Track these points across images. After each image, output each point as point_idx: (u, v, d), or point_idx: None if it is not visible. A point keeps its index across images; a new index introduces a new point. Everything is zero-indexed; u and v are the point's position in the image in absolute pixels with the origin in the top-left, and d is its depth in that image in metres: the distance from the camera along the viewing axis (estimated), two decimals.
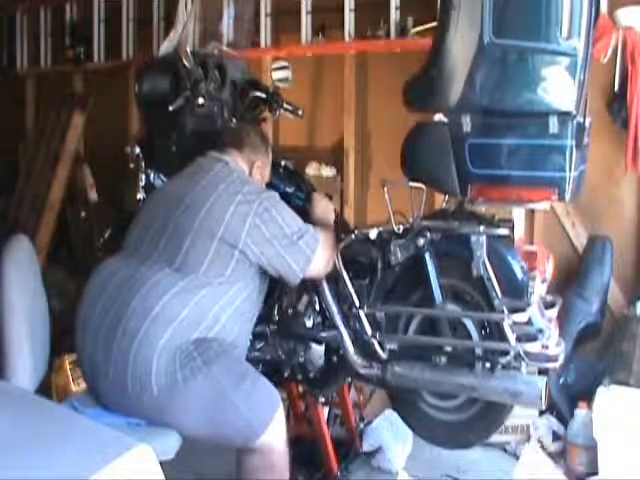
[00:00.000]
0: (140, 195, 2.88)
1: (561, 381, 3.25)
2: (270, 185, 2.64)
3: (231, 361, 2.18)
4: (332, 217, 2.63)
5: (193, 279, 2.17)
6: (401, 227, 2.39)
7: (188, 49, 2.78)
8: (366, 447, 3.10)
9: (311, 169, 4.12)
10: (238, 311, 2.24)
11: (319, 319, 2.59)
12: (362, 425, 3.19)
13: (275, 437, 2.17)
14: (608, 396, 2.92)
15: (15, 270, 2.13)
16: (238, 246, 2.21)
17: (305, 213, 2.65)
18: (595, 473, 2.88)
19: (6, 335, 2.08)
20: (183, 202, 2.26)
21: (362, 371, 2.49)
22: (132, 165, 2.89)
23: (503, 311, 2.20)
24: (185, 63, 2.71)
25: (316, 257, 2.33)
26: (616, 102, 3.33)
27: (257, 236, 2.23)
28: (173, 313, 2.13)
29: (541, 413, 3.20)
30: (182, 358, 2.10)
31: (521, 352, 2.20)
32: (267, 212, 2.25)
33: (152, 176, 2.87)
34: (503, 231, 2.24)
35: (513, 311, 2.19)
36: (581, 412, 3.04)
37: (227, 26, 4.30)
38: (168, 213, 2.28)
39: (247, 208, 2.23)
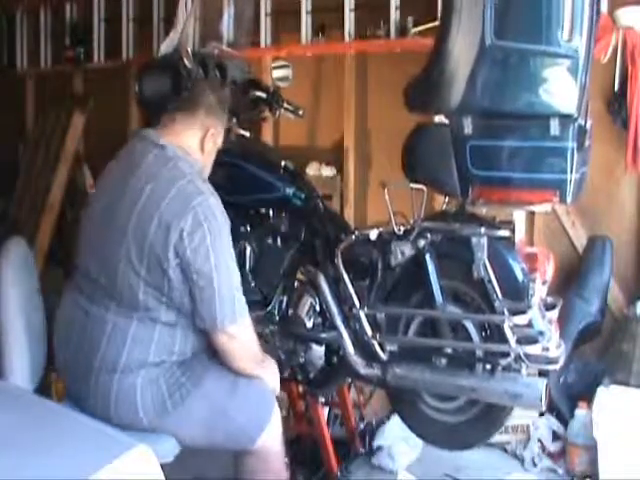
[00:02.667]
0: None
1: (561, 381, 3.25)
2: (269, 186, 2.64)
3: (219, 374, 2.14)
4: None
5: (141, 314, 2.04)
6: (402, 228, 2.39)
7: (188, 49, 2.77)
8: (376, 443, 3.10)
9: (311, 169, 4.11)
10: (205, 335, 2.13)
11: (319, 320, 2.59)
12: (362, 425, 3.20)
13: (271, 438, 2.17)
14: (608, 396, 2.93)
15: (12, 272, 2.15)
16: (163, 260, 1.99)
17: (305, 214, 2.66)
18: (595, 473, 2.88)
19: (5, 336, 2.10)
20: (111, 220, 2.06)
21: (362, 372, 2.49)
22: None
23: (504, 313, 2.20)
24: (185, 63, 2.71)
25: (244, 323, 2.10)
26: (616, 102, 3.33)
27: (182, 253, 1.98)
28: (140, 358, 2.04)
29: (541, 413, 3.20)
30: (169, 385, 2.06)
31: (521, 354, 2.20)
32: (199, 225, 2.00)
33: None
34: (504, 233, 2.24)
35: (514, 313, 2.19)
36: (581, 412, 3.05)
37: (227, 26, 4.29)
38: (98, 234, 2.10)
39: (175, 216, 1.99)
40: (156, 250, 1.99)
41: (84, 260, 2.16)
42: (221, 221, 2.06)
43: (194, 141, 2.19)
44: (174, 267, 2.00)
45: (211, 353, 2.16)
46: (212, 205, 2.06)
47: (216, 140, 2.25)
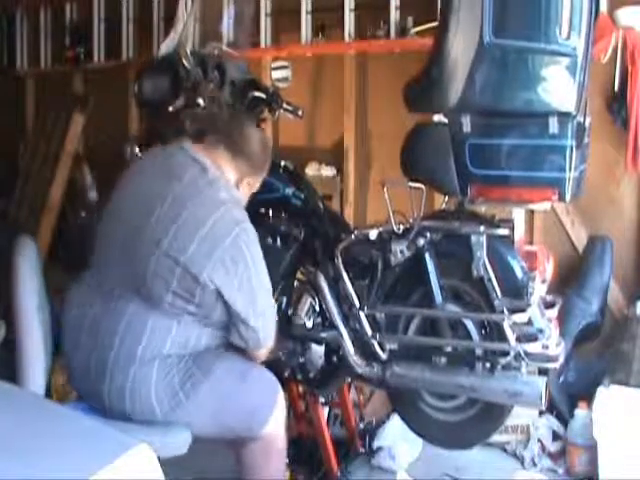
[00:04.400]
0: None
1: (561, 381, 3.24)
2: (269, 186, 2.63)
3: (228, 363, 2.17)
4: None
5: (165, 309, 2.04)
6: (401, 227, 2.40)
7: (188, 49, 2.77)
8: (376, 444, 3.10)
9: (311, 169, 4.12)
10: (220, 331, 2.16)
11: (319, 319, 2.60)
12: (362, 425, 3.19)
13: (277, 422, 2.21)
14: (608, 396, 2.92)
15: (25, 272, 2.16)
16: (200, 278, 2.00)
17: (305, 214, 2.66)
18: (595, 473, 2.88)
19: (23, 335, 2.11)
20: (148, 218, 2.04)
21: (362, 371, 2.49)
22: None
23: (503, 311, 2.21)
24: (185, 63, 2.71)
25: (275, 331, 2.23)
26: (616, 102, 3.33)
27: (222, 273, 2.01)
28: (156, 349, 2.05)
29: (541, 413, 3.20)
30: (181, 376, 2.08)
31: (521, 352, 2.21)
32: (238, 250, 2.03)
33: None
34: (503, 231, 2.24)
35: (513, 311, 2.19)
36: (581, 412, 3.05)
37: (227, 26, 4.30)
38: (130, 230, 2.08)
39: (216, 239, 2.01)
40: (192, 270, 2.00)
41: (107, 256, 2.15)
42: (258, 247, 2.10)
43: (230, 177, 2.17)
44: (210, 290, 2.02)
45: (221, 347, 2.19)
46: (250, 233, 2.08)
47: (252, 187, 2.25)
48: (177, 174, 2.09)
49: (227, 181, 2.15)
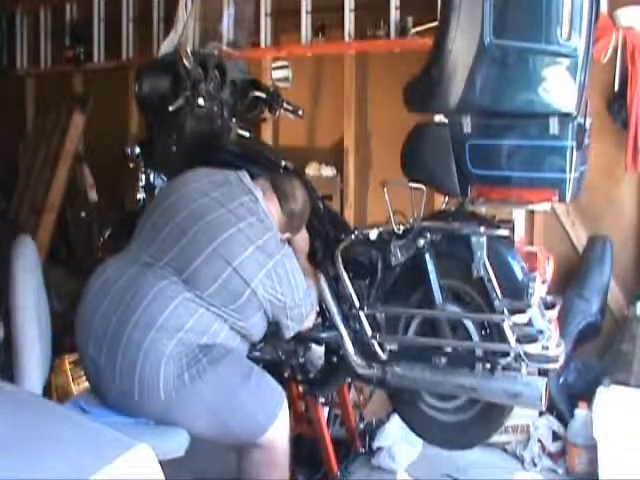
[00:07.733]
0: (140, 195, 2.88)
1: (561, 381, 3.25)
2: None
3: (236, 360, 2.20)
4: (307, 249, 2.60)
5: (199, 295, 2.15)
6: (401, 228, 2.40)
7: (188, 49, 2.77)
8: (376, 444, 3.11)
9: (311, 169, 4.11)
10: (241, 332, 2.25)
11: (319, 319, 2.59)
12: (362, 425, 3.19)
13: (279, 433, 2.20)
14: (608, 396, 2.93)
15: (23, 271, 2.17)
16: (251, 284, 2.17)
17: None
18: (595, 473, 2.88)
19: (19, 335, 2.11)
20: (204, 217, 2.21)
21: (362, 372, 2.49)
22: (132, 165, 2.89)
23: (503, 312, 2.21)
24: (185, 63, 2.71)
25: (308, 321, 2.41)
26: (616, 102, 3.33)
27: (269, 286, 2.20)
28: (177, 323, 2.11)
29: (541, 413, 3.20)
30: (188, 360, 2.11)
31: (521, 353, 2.20)
32: (283, 270, 2.23)
33: (152, 176, 2.88)
34: (503, 232, 2.24)
35: (513, 312, 2.19)
36: (581, 412, 3.05)
37: (227, 26, 4.29)
38: (186, 222, 2.22)
39: (266, 257, 2.20)
40: (243, 275, 2.16)
41: (153, 238, 2.24)
42: (298, 267, 2.32)
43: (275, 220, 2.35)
44: (257, 297, 2.20)
45: (235, 350, 2.24)
46: (292, 257, 2.31)
47: (287, 239, 2.43)
48: (233, 194, 2.28)
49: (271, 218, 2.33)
